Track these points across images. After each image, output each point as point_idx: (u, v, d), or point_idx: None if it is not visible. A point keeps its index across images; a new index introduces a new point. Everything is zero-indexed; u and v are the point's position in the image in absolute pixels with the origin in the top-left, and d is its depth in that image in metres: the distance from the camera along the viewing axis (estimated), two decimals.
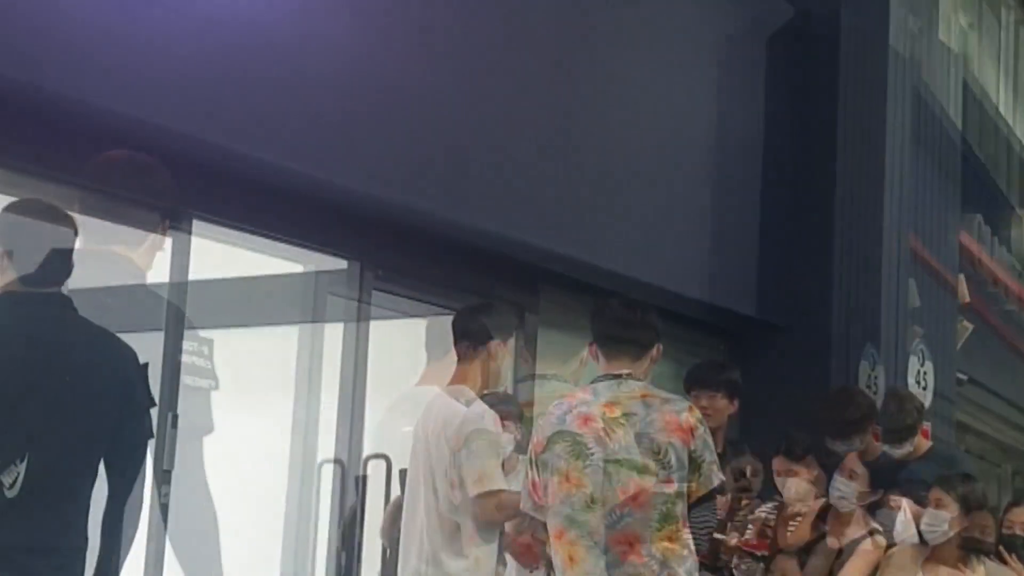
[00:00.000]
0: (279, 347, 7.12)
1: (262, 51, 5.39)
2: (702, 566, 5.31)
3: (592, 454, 4.22)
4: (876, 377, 9.05)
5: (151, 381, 4.05)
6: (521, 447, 5.94)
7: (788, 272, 9.21)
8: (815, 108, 9.38)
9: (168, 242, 5.51)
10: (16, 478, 3.61)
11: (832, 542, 5.71)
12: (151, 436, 4.14)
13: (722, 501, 5.48)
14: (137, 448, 3.93)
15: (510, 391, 6.44)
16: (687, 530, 4.24)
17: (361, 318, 6.42)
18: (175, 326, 5.53)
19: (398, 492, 5.58)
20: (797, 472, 5.83)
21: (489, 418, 4.85)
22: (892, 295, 9.20)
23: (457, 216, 6.48)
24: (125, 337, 3.94)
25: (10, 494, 3.60)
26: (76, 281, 3.92)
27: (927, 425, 7.66)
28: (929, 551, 5.49)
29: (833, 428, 6.02)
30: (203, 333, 6.14)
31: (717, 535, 5.65)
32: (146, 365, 4.01)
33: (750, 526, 5.72)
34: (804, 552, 5.67)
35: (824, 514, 5.77)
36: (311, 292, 6.54)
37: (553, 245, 7.14)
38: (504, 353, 4.98)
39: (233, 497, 6.13)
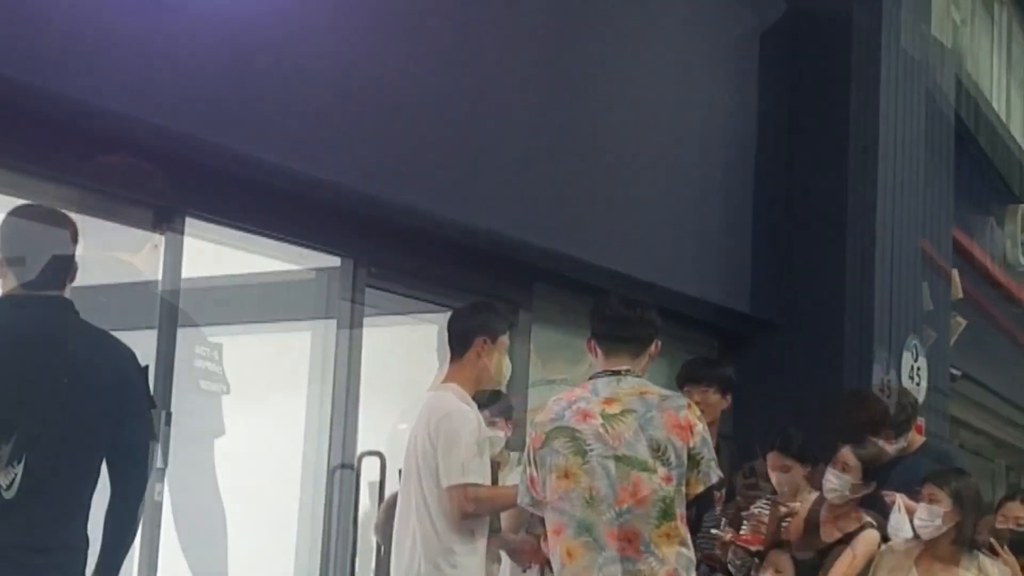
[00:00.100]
0: (284, 346, 7.15)
1: (257, 50, 5.39)
2: (712, 568, 5.33)
3: (591, 450, 4.22)
4: (890, 381, 9.08)
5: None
6: (513, 445, 5.96)
7: (782, 269, 9.23)
8: (808, 104, 9.39)
9: (162, 240, 5.53)
10: (13, 480, 3.63)
11: (826, 536, 5.73)
12: (153, 438, 4.18)
13: (716, 496, 5.49)
14: (138, 449, 3.95)
15: (508, 390, 6.46)
16: (685, 527, 4.25)
17: (354, 316, 6.42)
18: (168, 325, 5.54)
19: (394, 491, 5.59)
20: (789, 468, 5.85)
21: (466, 412, 4.85)
22: (886, 291, 9.21)
23: (450, 213, 6.48)
24: (122, 336, 3.95)
25: (7, 495, 3.63)
26: (79, 282, 3.96)
27: (921, 420, 7.67)
28: (923, 546, 5.50)
29: (848, 432, 6.04)
30: (212, 338, 6.17)
31: (713, 531, 5.66)
32: (147, 367, 4.04)
33: (745, 522, 5.73)
34: (796, 547, 5.68)
35: (818, 511, 5.79)
36: (323, 290, 6.55)
37: (547, 242, 7.14)
38: (491, 351, 4.97)
39: (238, 497, 6.18)
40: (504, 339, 5.02)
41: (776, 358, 9.09)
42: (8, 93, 4.54)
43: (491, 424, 5.52)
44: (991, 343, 12.44)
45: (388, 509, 5.68)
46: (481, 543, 4.90)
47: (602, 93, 7.65)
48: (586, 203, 7.47)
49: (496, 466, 5.38)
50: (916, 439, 6.40)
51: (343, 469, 6.33)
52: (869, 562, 5.62)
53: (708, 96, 8.71)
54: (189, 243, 5.62)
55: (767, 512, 5.78)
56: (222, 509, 6.14)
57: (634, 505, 4.17)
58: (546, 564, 4.99)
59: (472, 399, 5.03)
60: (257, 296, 7.04)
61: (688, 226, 8.52)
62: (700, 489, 4.31)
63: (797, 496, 5.82)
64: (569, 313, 7.60)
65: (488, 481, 4.94)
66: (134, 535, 3.99)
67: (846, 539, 5.68)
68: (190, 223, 5.59)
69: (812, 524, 5.74)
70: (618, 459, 4.20)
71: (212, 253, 6.09)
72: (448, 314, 5.39)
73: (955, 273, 10.51)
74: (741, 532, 5.71)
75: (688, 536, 4.26)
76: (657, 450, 4.20)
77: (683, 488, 4.23)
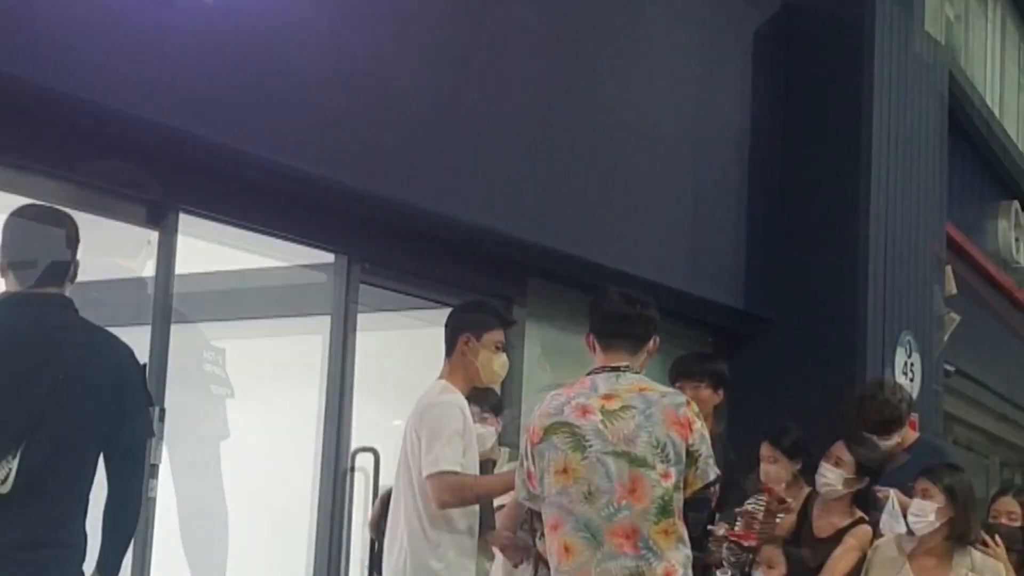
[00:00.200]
0: (277, 342, 7.15)
1: (251, 46, 5.39)
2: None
3: (590, 446, 4.22)
4: (913, 364, 9.09)
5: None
6: (504, 440, 5.97)
7: (776, 265, 9.24)
8: (801, 101, 9.40)
9: (155, 237, 5.54)
10: (8, 475, 3.64)
11: (819, 531, 5.74)
12: (151, 434, 4.19)
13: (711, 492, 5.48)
14: (136, 446, 3.97)
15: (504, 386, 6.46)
16: (683, 523, 4.25)
17: (348, 313, 6.42)
18: (161, 321, 5.54)
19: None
20: (777, 460, 5.85)
21: (449, 403, 4.85)
22: (880, 288, 9.23)
23: (445, 210, 6.48)
24: (116, 332, 3.97)
25: (2, 490, 3.63)
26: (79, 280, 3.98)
27: (915, 416, 7.67)
28: (916, 541, 5.51)
29: (870, 423, 6.04)
30: (214, 341, 6.19)
31: (708, 527, 5.66)
32: (144, 365, 4.06)
33: (738, 518, 5.73)
34: (789, 542, 5.68)
35: (811, 506, 5.79)
36: (317, 287, 6.56)
37: (541, 239, 7.14)
38: (475, 349, 4.96)
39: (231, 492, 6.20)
40: (491, 336, 5.00)
41: (770, 354, 9.10)
42: (1, 89, 4.54)
43: (481, 420, 5.52)
44: (985, 339, 12.46)
45: (382, 505, 5.68)
46: (469, 539, 4.89)
47: (597, 91, 7.66)
48: (581, 200, 7.47)
49: (491, 464, 5.38)
50: (910, 435, 6.40)
51: (337, 465, 6.33)
52: (862, 557, 5.62)
53: (703, 93, 8.72)
54: (182, 240, 5.62)
55: (761, 508, 5.78)
56: (225, 511, 6.17)
57: (633, 501, 4.17)
58: (540, 560, 4.99)
59: (467, 396, 5.03)
60: (251, 292, 7.05)
61: (683, 223, 8.53)
62: (698, 486, 4.31)
63: (788, 490, 5.81)
64: (562, 308, 7.60)
65: (475, 473, 4.93)
66: (133, 531, 4.01)
67: (839, 534, 5.69)
68: (183, 219, 5.59)
69: (805, 519, 5.75)
70: (617, 455, 4.20)
71: (207, 250, 6.09)
72: (443, 310, 5.40)
73: (948, 269, 10.52)
74: (735, 527, 5.71)
75: (686, 533, 4.26)
76: (656, 447, 4.20)
77: (682, 484, 4.24)
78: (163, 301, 5.54)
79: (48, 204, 4.20)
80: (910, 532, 5.51)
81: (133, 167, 5.17)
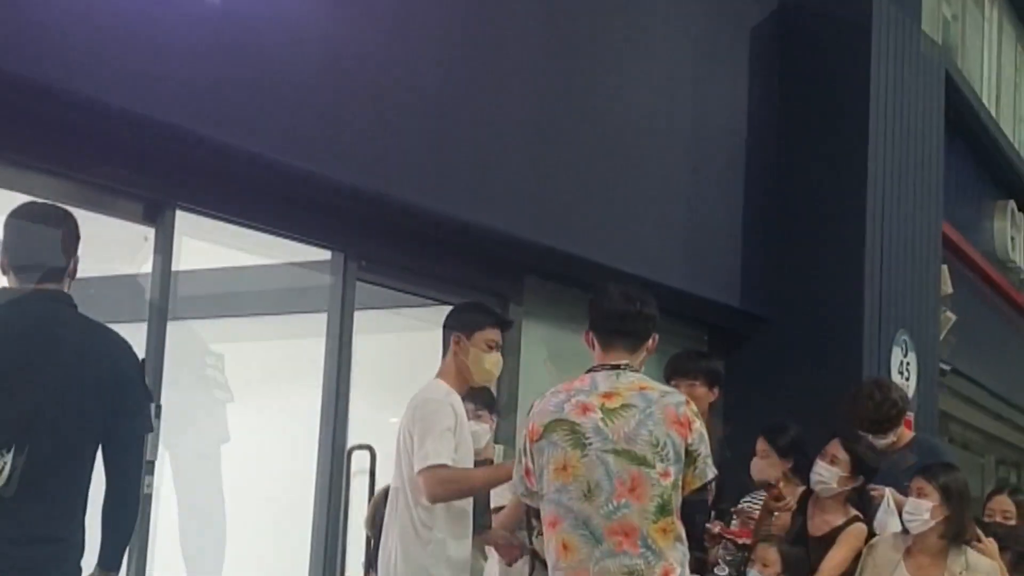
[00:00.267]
0: (274, 340, 7.15)
1: (247, 43, 5.39)
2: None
3: (590, 444, 4.22)
4: (908, 363, 9.09)
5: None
6: (499, 437, 5.97)
7: (772, 264, 9.25)
8: (798, 98, 9.41)
9: (152, 233, 5.54)
10: (5, 469, 3.64)
11: (814, 529, 5.74)
12: (149, 430, 4.20)
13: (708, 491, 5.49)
14: (134, 442, 3.99)
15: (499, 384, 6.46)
16: (681, 522, 4.25)
17: (345, 310, 6.42)
18: (158, 318, 5.54)
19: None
20: (768, 456, 5.85)
21: (440, 399, 4.85)
22: (876, 287, 9.24)
23: (442, 207, 6.48)
24: (115, 329, 3.98)
25: (2, 489, 3.63)
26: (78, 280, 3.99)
27: (910, 415, 7.68)
28: (911, 540, 5.51)
29: (865, 422, 6.04)
30: (213, 345, 6.20)
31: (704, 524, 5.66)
32: (143, 361, 4.06)
33: (734, 516, 5.73)
34: (784, 541, 5.68)
35: (806, 504, 5.80)
36: (314, 284, 6.56)
37: (538, 237, 7.15)
38: (465, 348, 4.97)
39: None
40: (483, 335, 5.00)
41: (768, 353, 9.11)
42: None
43: (476, 417, 5.52)
44: (980, 338, 12.47)
45: (378, 502, 5.69)
46: (463, 537, 4.89)
47: (595, 89, 7.66)
48: (577, 198, 7.47)
49: (487, 462, 5.38)
50: (905, 434, 6.40)
51: (334, 462, 6.34)
52: (857, 556, 5.63)
53: (699, 91, 8.72)
54: (179, 237, 5.62)
55: (757, 506, 5.78)
56: (224, 513, 6.18)
57: (632, 499, 4.17)
58: (536, 558, 5.00)
59: (462, 394, 5.04)
60: (247, 289, 7.05)
61: (680, 222, 8.53)
62: (696, 486, 4.32)
63: (782, 488, 5.81)
64: (559, 306, 7.60)
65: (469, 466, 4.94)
66: (133, 527, 4.03)
67: (834, 533, 5.69)
68: (180, 216, 5.59)
69: (800, 518, 5.75)
70: (617, 453, 4.20)
71: (203, 247, 6.09)
72: (439, 308, 5.40)
73: (944, 268, 10.53)
74: (731, 525, 5.71)
75: (683, 531, 4.27)
76: (656, 445, 4.20)
77: (680, 483, 4.24)
78: (159, 298, 5.54)
79: (48, 202, 4.20)
80: (905, 531, 5.52)
81: (129, 164, 5.18)
